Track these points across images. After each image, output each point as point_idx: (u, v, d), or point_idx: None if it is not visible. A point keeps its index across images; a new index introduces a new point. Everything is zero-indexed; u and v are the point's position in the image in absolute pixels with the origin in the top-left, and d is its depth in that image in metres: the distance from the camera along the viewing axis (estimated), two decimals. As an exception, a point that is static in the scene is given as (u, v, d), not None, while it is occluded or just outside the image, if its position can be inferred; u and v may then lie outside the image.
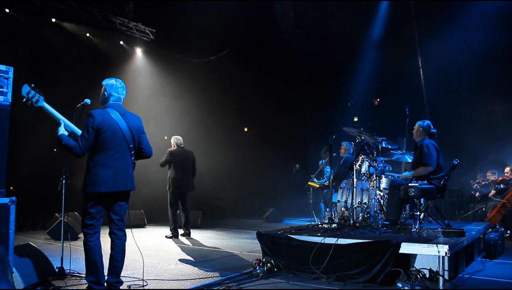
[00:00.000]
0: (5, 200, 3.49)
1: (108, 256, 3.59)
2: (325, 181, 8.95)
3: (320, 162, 10.04)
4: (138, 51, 11.72)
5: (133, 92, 11.05)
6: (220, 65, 11.97)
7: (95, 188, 3.42)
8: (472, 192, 8.86)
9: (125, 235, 3.66)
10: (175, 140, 7.80)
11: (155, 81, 11.84)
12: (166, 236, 7.65)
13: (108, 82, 3.72)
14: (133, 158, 3.68)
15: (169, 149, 7.75)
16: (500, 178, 8.34)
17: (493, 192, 8.01)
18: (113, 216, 3.61)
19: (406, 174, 5.55)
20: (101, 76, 3.73)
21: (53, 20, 9.87)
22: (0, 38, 8.39)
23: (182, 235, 7.74)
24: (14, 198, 3.53)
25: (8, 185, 4.12)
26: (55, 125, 3.73)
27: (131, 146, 3.64)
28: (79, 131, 3.70)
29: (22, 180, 8.99)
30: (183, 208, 7.83)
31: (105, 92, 3.69)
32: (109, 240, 3.64)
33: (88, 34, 10.65)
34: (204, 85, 12.03)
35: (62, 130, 3.60)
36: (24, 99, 3.59)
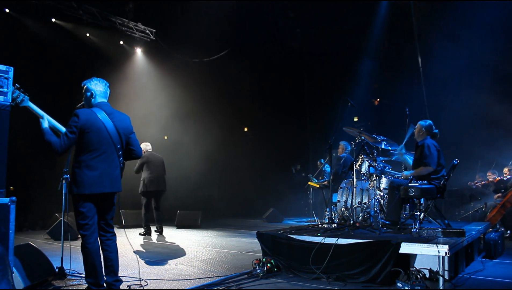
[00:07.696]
0: (5, 200, 3.47)
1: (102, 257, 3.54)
2: (325, 181, 8.95)
3: (319, 161, 10.04)
4: (138, 51, 11.72)
5: (133, 92, 11.05)
6: (220, 65, 11.97)
7: (80, 190, 3.36)
8: (473, 193, 8.85)
9: (114, 235, 3.61)
10: (145, 146, 8.14)
11: (155, 81, 11.84)
12: (140, 233, 8.11)
13: (89, 81, 3.63)
14: (121, 158, 3.58)
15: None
16: (498, 179, 8.34)
17: (499, 194, 7.94)
18: (100, 217, 3.56)
19: (407, 173, 5.55)
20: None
21: (53, 20, 9.87)
22: (0, 38, 8.38)
23: (155, 231, 8.19)
24: (14, 198, 3.52)
25: (8, 185, 4.11)
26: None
27: (118, 146, 3.53)
28: (62, 128, 3.65)
29: (22, 180, 8.98)
30: (156, 207, 8.18)
31: (87, 93, 3.60)
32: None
33: (88, 34, 10.65)
34: (204, 85, 12.03)
35: (46, 124, 3.54)
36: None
